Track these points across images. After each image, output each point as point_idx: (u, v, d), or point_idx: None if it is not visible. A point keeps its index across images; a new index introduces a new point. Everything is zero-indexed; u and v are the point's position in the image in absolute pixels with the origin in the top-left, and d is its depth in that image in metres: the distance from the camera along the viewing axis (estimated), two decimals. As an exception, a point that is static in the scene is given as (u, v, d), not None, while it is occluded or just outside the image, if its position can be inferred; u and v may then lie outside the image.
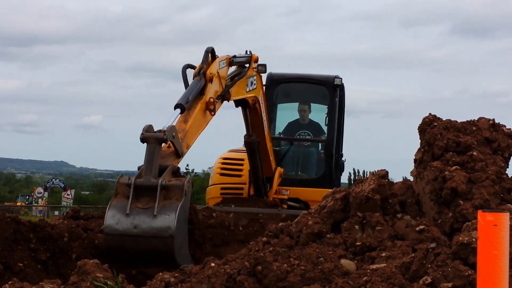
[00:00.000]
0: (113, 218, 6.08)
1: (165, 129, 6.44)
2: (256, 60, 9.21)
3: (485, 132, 5.85)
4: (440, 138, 5.70)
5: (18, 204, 51.22)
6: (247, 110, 9.34)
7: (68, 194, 54.75)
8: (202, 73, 7.34)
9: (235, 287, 4.86)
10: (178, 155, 6.64)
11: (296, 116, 11.98)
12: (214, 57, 7.75)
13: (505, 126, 6.01)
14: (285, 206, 10.65)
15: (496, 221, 3.25)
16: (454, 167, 5.42)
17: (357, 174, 52.15)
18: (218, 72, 7.68)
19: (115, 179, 6.61)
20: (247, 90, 8.89)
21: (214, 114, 7.44)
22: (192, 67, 7.54)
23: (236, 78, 8.44)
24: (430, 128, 5.86)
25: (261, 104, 9.50)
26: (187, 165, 48.05)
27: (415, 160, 5.89)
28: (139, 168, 6.38)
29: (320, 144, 12.01)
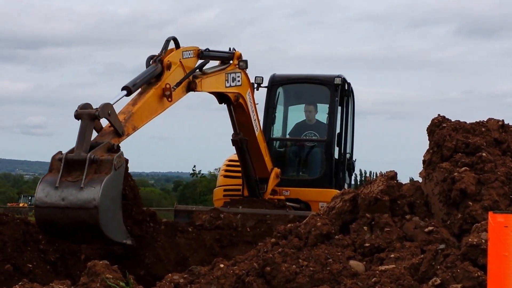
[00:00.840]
0: (43, 191, 6.18)
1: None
2: (239, 57, 9.23)
3: (494, 133, 5.84)
4: (449, 139, 5.69)
5: (21, 205, 51.02)
6: (231, 107, 9.36)
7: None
8: (158, 60, 7.43)
9: (244, 288, 4.86)
10: (119, 134, 6.69)
11: (301, 117, 11.96)
12: (178, 46, 7.84)
13: (514, 127, 5.99)
14: None
15: (507, 223, 3.24)
16: (463, 168, 5.41)
17: (363, 175, 51.98)
18: (181, 61, 7.78)
19: None
20: (227, 85, 8.92)
21: (172, 101, 7.50)
22: None
23: (210, 71, 8.52)
24: (439, 129, 5.85)
25: (248, 102, 9.48)
26: (194, 166, 47.94)
27: (423, 161, 5.88)
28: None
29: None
